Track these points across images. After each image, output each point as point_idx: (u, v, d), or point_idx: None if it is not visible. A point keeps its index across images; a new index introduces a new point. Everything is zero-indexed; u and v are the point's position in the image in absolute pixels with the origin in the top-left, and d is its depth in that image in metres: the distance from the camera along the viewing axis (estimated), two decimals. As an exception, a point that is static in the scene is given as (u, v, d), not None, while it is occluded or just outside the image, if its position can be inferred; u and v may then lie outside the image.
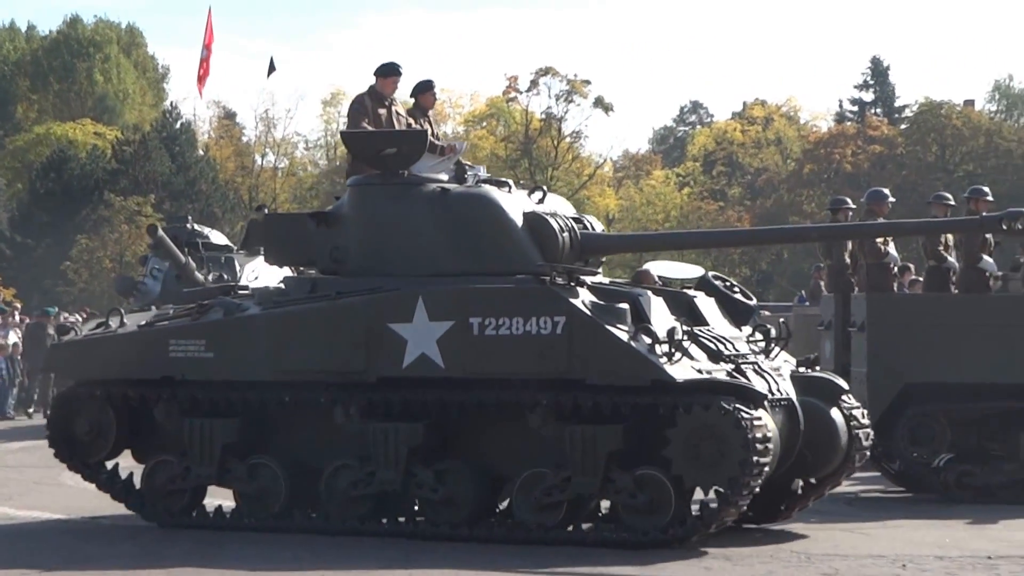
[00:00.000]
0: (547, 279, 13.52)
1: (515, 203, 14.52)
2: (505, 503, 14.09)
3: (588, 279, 14.17)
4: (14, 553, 12.67)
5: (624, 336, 13.07)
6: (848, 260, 19.50)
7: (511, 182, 15.20)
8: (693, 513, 13.25)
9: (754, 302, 15.47)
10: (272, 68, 48.58)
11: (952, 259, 18.61)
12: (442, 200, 14.28)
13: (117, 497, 14.52)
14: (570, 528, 13.41)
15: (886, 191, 20.62)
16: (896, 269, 20.17)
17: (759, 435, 12.64)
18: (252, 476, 13.89)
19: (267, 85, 77.91)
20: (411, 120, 15.80)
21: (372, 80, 15.40)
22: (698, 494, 13.57)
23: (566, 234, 14.50)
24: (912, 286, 21.97)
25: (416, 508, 14.13)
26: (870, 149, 66.43)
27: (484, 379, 13.54)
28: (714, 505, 13.13)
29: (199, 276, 25.50)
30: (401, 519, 14.19)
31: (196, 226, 28.27)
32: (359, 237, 14.44)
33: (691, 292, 14.62)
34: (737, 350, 13.88)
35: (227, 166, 68.50)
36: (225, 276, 25.74)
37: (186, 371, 13.89)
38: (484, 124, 72.96)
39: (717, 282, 15.42)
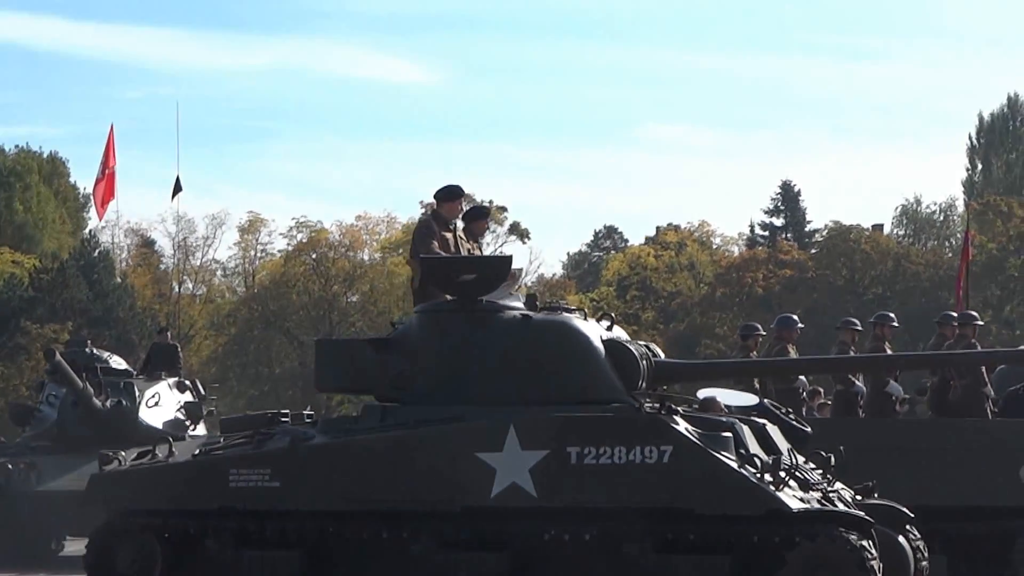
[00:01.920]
0: (648, 408, 13.54)
1: (595, 331, 14.35)
2: None
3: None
4: None
5: (735, 464, 12.95)
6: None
7: (585, 310, 15.14)
8: None
9: (809, 429, 15.34)
10: (178, 188, 48.68)
11: (860, 383, 18.93)
12: (524, 328, 14.08)
13: None
14: None
15: (795, 317, 20.90)
16: (805, 393, 20.21)
17: (874, 566, 12.63)
18: None
19: (186, 213, 78.00)
20: (470, 245, 15.71)
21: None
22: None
23: (644, 361, 14.43)
24: (821, 409, 21.97)
25: None
26: (781, 273, 66.97)
27: (581, 509, 13.24)
28: None
29: (97, 403, 25.11)
30: None
31: (95, 350, 27.88)
32: (430, 364, 14.06)
33: (760, 420, 14.41)
34: (815, 478, 13.72)
35: (145, 293, 68.57)
36: (124, 402, 25.40)
37: (248, 501, 13.56)
38: (400, 251, 71.51)
39: (775, 409, 15.56)
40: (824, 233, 74.24)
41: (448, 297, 14.45)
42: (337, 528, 13.34)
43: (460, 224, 15.92)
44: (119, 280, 66.80)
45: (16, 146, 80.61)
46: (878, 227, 75.70)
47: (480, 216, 16.21)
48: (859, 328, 20.40)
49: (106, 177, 33.20)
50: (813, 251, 72.57)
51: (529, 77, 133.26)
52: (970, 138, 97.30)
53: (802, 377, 19.59)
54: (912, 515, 14.13)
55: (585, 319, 14.51)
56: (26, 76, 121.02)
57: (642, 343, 15.18)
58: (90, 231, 69.06)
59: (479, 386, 13.72)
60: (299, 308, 71.13)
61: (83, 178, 75.20)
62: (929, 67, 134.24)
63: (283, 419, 14.54)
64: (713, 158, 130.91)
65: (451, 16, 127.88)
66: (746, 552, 12.83)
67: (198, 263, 75.21)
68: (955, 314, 21.13)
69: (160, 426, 25.64)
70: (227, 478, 13.39)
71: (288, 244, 73.65)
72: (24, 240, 71.14)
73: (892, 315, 20.81)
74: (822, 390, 23.80)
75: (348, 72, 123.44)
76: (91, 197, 59.44)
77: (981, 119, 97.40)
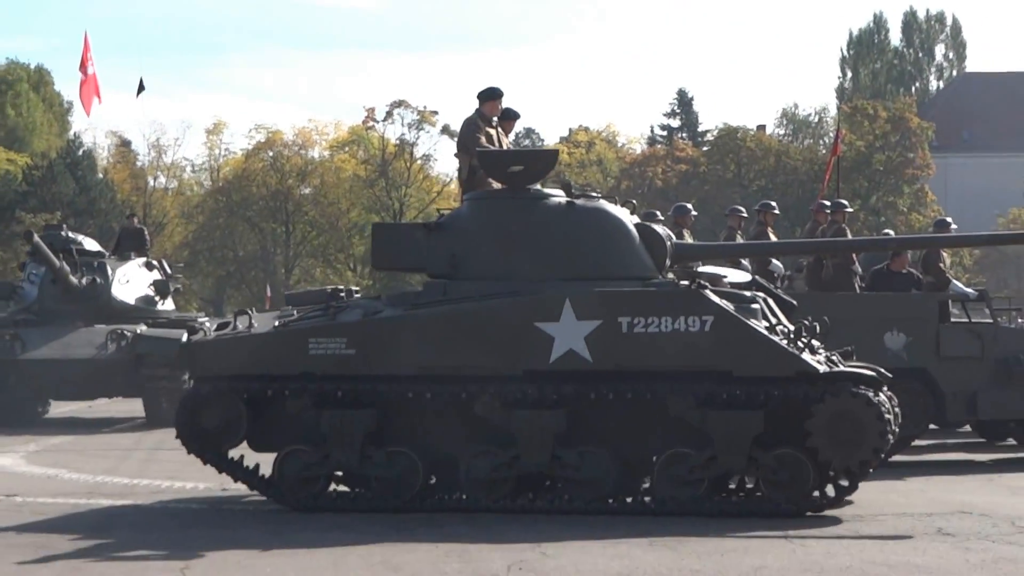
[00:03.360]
0: (690, 283, 13.51)
1: (627, 216, 14.44)
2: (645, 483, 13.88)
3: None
4: (159, 536, 12.09)
5: (766, 332, 13.19)
6: None
7: (615, 198, 15.19)
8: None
9: (795, 302, 15.25)
10: (141, 87, 48.39)
11: (745, 262, 18.86)
12: (568, 213, 14.11)
13: (250, 484, 14.20)
14: (710, 502, 13.19)
15: (688, 206, 20.75)
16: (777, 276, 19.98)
17: (889, 418, 12.92)
18: (390, 463, 13.58)
19: (157, 117, 76.78)
20: (503, 138, 15.76)
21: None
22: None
23: (668, 243, 14.56)
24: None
25: (549, 487, 13.84)
26: (677, 168, 67.19)
27: (631, 372, 13.36)
28: (844, 482, 13.15)
29: (73, 280, 24.98)
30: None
31: (70, 233, 27.59)
32: (482, 245, 14.08)
33: (760, 294, 14.49)
34: (818, 344, 13.93)
35: (123, 187, 68.19)
36: (97, 280, 25.24)
37: (326, 367, 13.55)
38: (347, 149, 73.23)
39: (766, 284, 15.64)
40: (714, 133, 74.05)
41: (496, 185, 14.38)
42: (406, 390, 13.32)
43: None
44: (101, 176, 66.52)
45: (7, 59, 79.94)
46: (761, 127, 76.14)
47: (511, 117, 15.85)
48: (745, 215, 20.44)
49: (89, 78, 32.27)
50: (705, 149, 72.46)
51: None
52: (841, 50, 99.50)
53: (775, 260, 19.31)
54: (891, 375, 14.14)
55: (605, 203, 14.56)
56: None
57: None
58: (74, 133, 68.48)
59: (527, 264, 13.75)
60: (259, 199, 70.85)
61: (66, 86, 74.97)
62: None
63: (340, 293, 14.47)
64: (620, 67, 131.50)
65: None
66: (776, 408, 12.98)
67: (170, 160, 74.47)
68: (828, 202, 21.00)
69: (132, 301, 25.65)
70: (307, 346, 13.36)
71: (248, 143, 73.30)
72: (16, 141, 70.30)
73: (774, 204, 20.85)
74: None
75: None
76: (75, 102, 59.24)
77: (850, 34, 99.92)
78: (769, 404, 13.07)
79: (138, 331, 24.16)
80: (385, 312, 13.85)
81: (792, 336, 13.27)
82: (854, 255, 19.79)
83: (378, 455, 13.38)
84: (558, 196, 14.24)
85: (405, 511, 13.17)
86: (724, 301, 13.34)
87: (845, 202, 21.51)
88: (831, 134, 63.39)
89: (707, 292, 13.34)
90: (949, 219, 22.69)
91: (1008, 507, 13.38)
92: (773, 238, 19.54)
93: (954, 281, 19.95)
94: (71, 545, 11.61)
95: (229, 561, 10.63)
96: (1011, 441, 19.07)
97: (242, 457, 13.93)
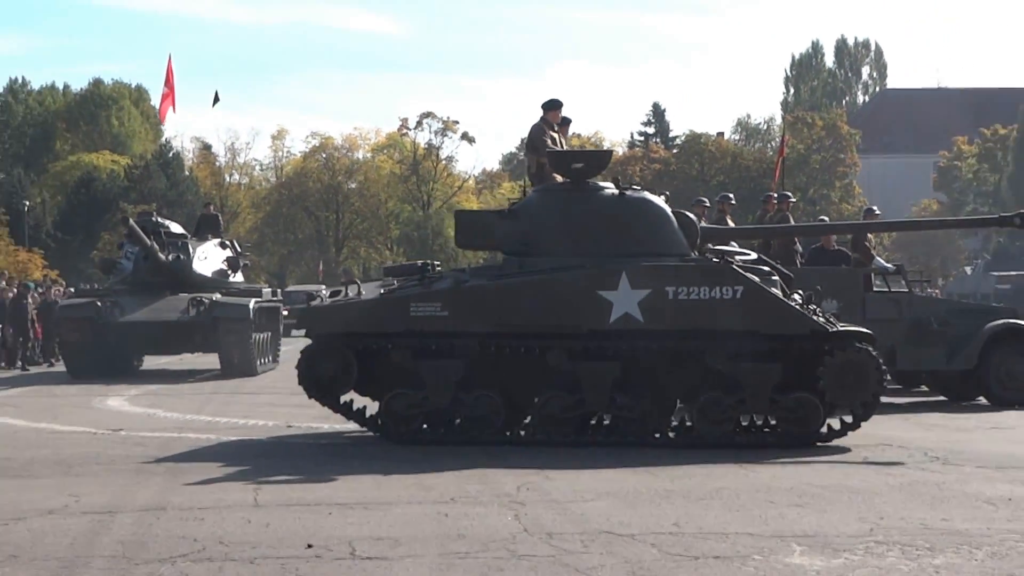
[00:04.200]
0: (720, 260, 13.55)
1: (665, 204, 14.33)
2: (675, 421, 13.76)
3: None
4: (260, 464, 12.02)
5: (784, 299, 13.25)
6: None
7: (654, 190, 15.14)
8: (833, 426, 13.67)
9: (792, 275, 15.21)
10: (216, 99, 48.34)
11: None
12: (620, 202, 14.02)
13: (359, 422, 14.14)
14: (738, 436, 13.23)
15: (704, 199, 20.97)
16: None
17: (884, 368, 13.04)
18: (477, 404, 13.53)
19: (232, 126, 76.23)
20: (563, 140, 15.70)
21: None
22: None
23: (697, 227, 14.61)
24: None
25: (605, 425, 13.96)
26: (652, 167, 66.48)
27: (676, 331, 13.32)
28: (849, 419, 13.14)
29: (161, 257, 24.93)
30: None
31: (159, 219, 27.50)
32: (549, 228, 13.99)
33: (765, 268, 14.47)
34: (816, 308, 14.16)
35: (205, 183, 68.08)
36: (181, 256, 25.30)
37: (424, 326, 13.51)
38: (385, 152, 73.27)
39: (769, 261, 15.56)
40: (682, 138, 73.42)
41: (559, 179, 14.30)
42: (490, 345, 13.29)
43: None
44: (187, 173, 66.77)
45: (113, 79, 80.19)
46: (720, 134, 75.75)
47: (566, 124, 15.79)
48: (708, 205, 20.32)
49: (169, 93, 31.96)
50: (675, 151, 71.84)
51: (467, 27, 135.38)
52: (785, 70, 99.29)
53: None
54: (874, 335, 14.19)
55: (647, 194, 14.51)
56: (117, 28, 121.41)
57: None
58: (166, 139, 68.55)
59: (586, 243, 13.66)
60: (314, 192, 70.71)
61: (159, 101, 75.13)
62: (757, 19, 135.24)
63: (428, 266, 14.45)
64: (604, 86, 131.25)
65: None
66: (793, 360, 13.06)
67: (242, 161, 74.84)
68: (775, 194, 20.91)
69: (209, 274, 25.64)
70: (409, 309, 13.30)
71: (306, 147, 73.47)
72: (119, 146, 70.70)
73: (731, 196, 20.91)
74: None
75: (341, 25, 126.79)
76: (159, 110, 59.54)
77: (792, 57, 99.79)
78: (786, 357, 13.15)
79: (214, 298, 24.16)
80: (472, 282, 13.76)
81: (803, 302, 13.38)
82: (795, 237, 19.59)
83: (467, 398, 13.34)
84: (610, 188, 14.11)
85: (489, 444, 13.15)
86: (750, 275, 13.42)
87: (789, 193, 21.42)
88: (777, 139, 63.70)
89: (736, 267, 13.42)
90: (875, 208, 22.50)
91: (920, 440, 13.41)
92: (731, 223, 19.10)
93: (877, 258, 19.87)
94: (164, 470, 11.62)
95: (293, 484, 10.65)
96: (923, 388, 18.97)
97: (351, 401, 13.95)
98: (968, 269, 48.70)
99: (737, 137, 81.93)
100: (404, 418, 13.61)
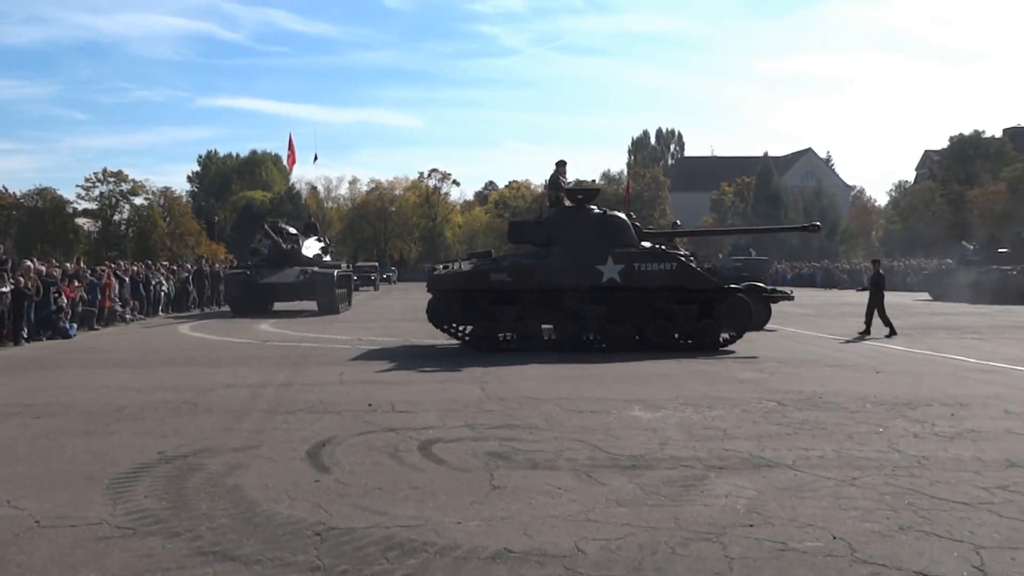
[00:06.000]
0: (662, 247, 14.28)
1: (625, 216, 14.88)
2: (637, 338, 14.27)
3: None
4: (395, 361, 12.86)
5: (698, 268, 14.04)
6: None
7: (619, 211, 15.22)
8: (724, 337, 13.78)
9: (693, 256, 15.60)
10: (316, 158, 50.17)
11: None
12: (602, 216, 14.60)
13: (459, 340, 14.84)
14: (676, 346, 13.94)
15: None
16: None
17: (752, 308, 14.17)
18: (527, 329, 14.13)
19: (325, 174, 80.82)
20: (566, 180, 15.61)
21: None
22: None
23: (640, 229, 14.90)
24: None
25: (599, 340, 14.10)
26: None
27: (641, 287, 13.91)
28: (733, 335, 14.16)
29: (284, 246, 25.89)
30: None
31: (282, 224, 28.53)
32: (563, 231, 14.50)
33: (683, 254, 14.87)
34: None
35: (311, 206, 73.09)
36: (295, 246, 26.38)
37: (497, 285, 14.14)
38: (411, 190, 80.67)
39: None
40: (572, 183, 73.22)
41: (568, 203, 14.87)
42: (536, 295, 14.02)
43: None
44: (303, 202, 70.67)
45: (262, 150, 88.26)
46: (592, 180, 78.01)
47: (563, 170, 16.15)
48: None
49: (291, 155, 33.83)
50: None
51: (455, 121, 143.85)
52: (629, 146, 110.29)
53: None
54: (766, 288, 14.95)
55: (619, 211, 14.95)
56: (264, 121, 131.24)
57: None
58: (291, 183, 73.19)
59: (582, 239, 14.31)
60: (372, 212, 77.66)
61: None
62: (613, 116, 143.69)
63: (489, 253, 15.49)
64: (531, 153, 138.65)
65: (423, 83, 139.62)
66: (704, 304, 14.11)
67: (333, 195, 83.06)
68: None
69: (311, 256, 26.56)
70: (489, 276, 14.03)
71: (367, 188, 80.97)
72: (266, 187, 77.14)
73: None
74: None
75: (385, 122, 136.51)
76: (286, 164, 59.88)
77: (632, 137, 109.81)
78: (700, 302, 13.99)
79: (313, 270, 25.18)
80: (523, 260, 14.28)
81: (707, 270, 14.39)
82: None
83: (521, 326, 13.98)
84: (596, 209, 14.64)
85: (536, 350, 13.70)
86: (679, 255, 14.20)
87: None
88: (624, 184, 67.01)
89: (672, 251, 14.32)
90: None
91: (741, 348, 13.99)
92: None
93: (679, 249, 18.23)
94: (291, 363, 12.52)
95: (360, 371, 11.49)
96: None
97: (454, 327, 14.46)
98: (720, 255, 52.39)
99: (604, 182, 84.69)
100: (484, 337, 14.10)
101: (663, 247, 14.59)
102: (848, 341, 15.73)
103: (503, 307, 13.98)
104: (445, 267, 15.24)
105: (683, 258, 14.09)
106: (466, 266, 14.51)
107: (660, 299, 13.82)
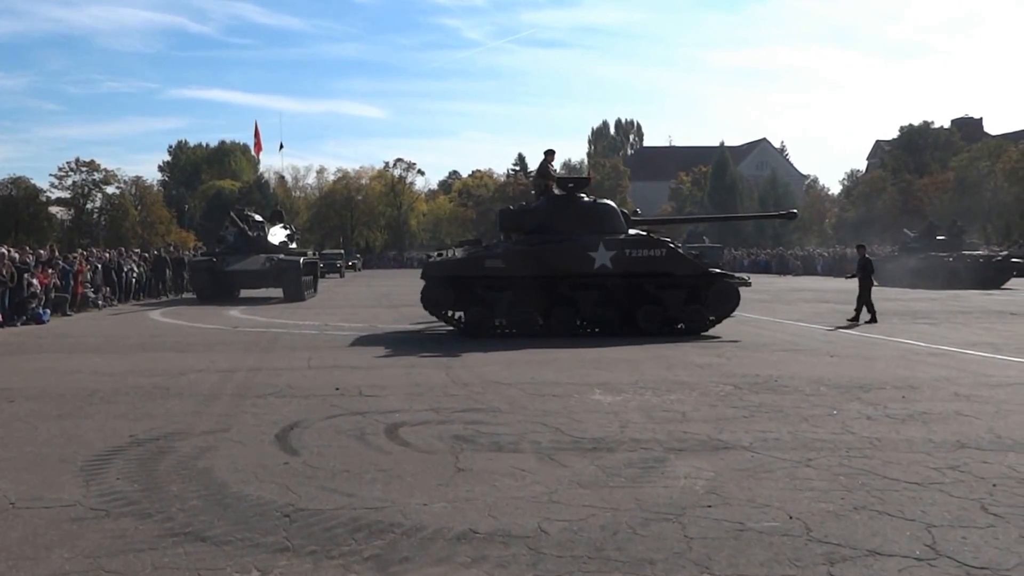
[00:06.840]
0: (653, 234, 14.17)
1: (613, 204, 14.79)
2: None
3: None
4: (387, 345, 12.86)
5: (685, 254, 13.95)
6: None
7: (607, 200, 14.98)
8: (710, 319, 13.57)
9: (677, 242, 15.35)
10: (281, 146, 55.19)
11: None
12: (592, 204, 14.45)
13: (453, 326, 14.61)
14: (666, 330, 13.68)
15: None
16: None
17: (740, 293, 13.98)
18: (521, 315, 13.89)
19: (293, 163, 77.59)
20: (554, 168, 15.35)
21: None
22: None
23: (630, 216, 14.82)
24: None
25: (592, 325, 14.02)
26: (519, 189, 71.24)
27: (630, 272, 13.73)
28: (713, 319, 14.11)
29: (249, 233, 25.69)
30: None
31: (248, 212, 28.27)
32: (553, 218, 14.41)
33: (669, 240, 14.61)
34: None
35: (280, 194, 72.86)
36: (260, 233, 26.07)
37: (491, 271, 13.90)
38: (377, 179, 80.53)
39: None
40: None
41: (557, 191, 14.74)
42: (528, 281, 13.81)
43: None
44: (271, 191, 71.81)
45: (231, 140, 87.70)
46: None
47: (552, 159, 15.94)
48: None
49: (257, 142, 35.37)
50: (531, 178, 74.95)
51: (419, 112, 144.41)
52: (589, 136, 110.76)
53: None
54: (727, 274, 14.70)
55: (608, 200, 14.75)
56: (231, 112, 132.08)
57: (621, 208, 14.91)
58: (260, 173, 73.27)
59: (573, 227, 14.21)
60: (338, 201, 77.25)
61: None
62: (568, 104, 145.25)
63: (480, 240, 15.33)
64: (491, 143, 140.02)
65: (387, 75, 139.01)
66: (692, 289, 13.88)
67: (301, 183, 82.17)
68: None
69: (276, 243, 26.36)
70: (484, 263, 13.91)
71: (334, 176, 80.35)
72: (232, 176, 76.55)
73: None
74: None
75: (351, 112, 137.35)
76: (253, 151, 60.70)
77: (593, 129, 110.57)
78: (688, 287, 13.83)
79: (279, 257, 25.07)
80: (516, 247, 14.13)
81: (695, 256, 14.28)
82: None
83: (514, 312, 13.78)
84: (589, 197, 14.61)
85: (528, 336, 13.62)
86: (667, 241, 14.02)
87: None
88: (586, 173, 68.51)
89: (661, 238, 14.07)
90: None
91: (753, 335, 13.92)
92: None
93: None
94: (260, 348, 12.46)
95: (328, 357, 11.52)
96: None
97: (449, 312, 14.28)
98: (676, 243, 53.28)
99: (565, 172, 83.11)
100: (478, 323, 13.96)
101: (650, 234, 14.45)
102: (834, 329, 15.60)
103: (497, 293, 13.88)
104: (439, 254, 15.13)
105: (671, 244, 14.05)
106: (460, 253, 14.45)
107: (650, 284, 13.78)
